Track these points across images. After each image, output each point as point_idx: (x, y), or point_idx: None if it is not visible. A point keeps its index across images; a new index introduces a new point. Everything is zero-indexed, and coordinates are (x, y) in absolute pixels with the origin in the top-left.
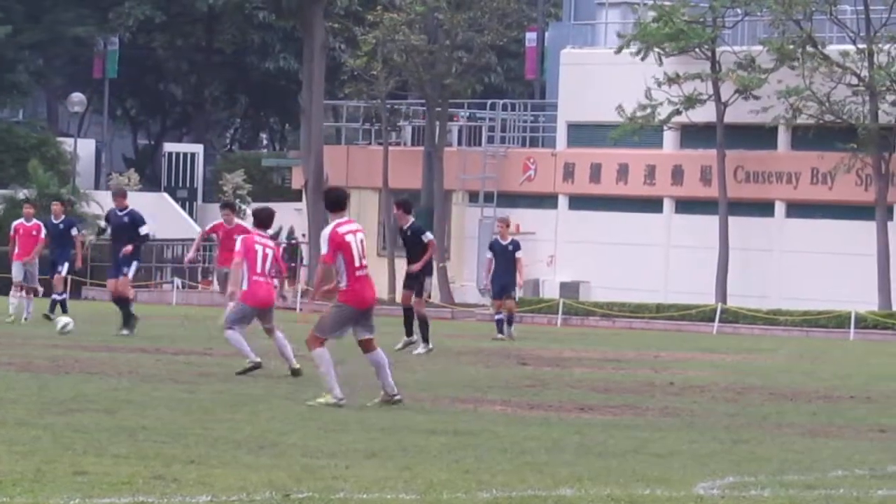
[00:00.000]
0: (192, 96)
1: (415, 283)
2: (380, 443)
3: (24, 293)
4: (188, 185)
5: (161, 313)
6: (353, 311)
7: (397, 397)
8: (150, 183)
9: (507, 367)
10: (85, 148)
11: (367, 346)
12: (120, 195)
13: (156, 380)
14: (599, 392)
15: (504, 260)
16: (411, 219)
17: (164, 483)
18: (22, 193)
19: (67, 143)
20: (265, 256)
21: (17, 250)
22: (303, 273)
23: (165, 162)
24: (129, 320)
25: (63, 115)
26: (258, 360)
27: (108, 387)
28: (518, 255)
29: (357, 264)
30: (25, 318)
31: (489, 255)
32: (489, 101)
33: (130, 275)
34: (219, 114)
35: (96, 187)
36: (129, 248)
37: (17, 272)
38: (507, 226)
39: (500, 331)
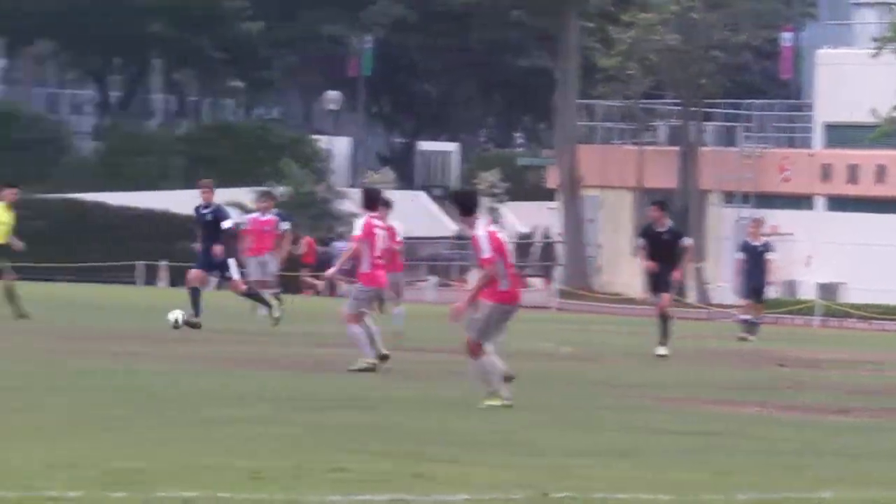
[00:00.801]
0: (445, 95)
1: (668, 286)
2: (633, 442)
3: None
4: (443, 183)
5: (417, 312)
6: (507, 308)
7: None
8: (405, 181)
9: (763, 368)
10: (340, 146)
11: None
12: (206, 188)
13: (411, 378)
14: (857, 394)
15: (755, 261)
16: (669, 221)
17: (422, 481)
18: (278, 191)
19: (322, 141)
20: (382, 239)
21: (250, 245)
22: (559, 273)
23: (420, 160)
24: (264, 303)
25: (318, 113)
26: (375, 361)
27: (363, 385)
28: (768, 256)
29: (512, 262)
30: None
31: (740, 255)
32: (744, 101)
33: (235, 276)
34: (473, 112)
35: (352, 185)
36: (218, 249)
37: (252, 268)
38: (760, 226)
39: (747, 331)
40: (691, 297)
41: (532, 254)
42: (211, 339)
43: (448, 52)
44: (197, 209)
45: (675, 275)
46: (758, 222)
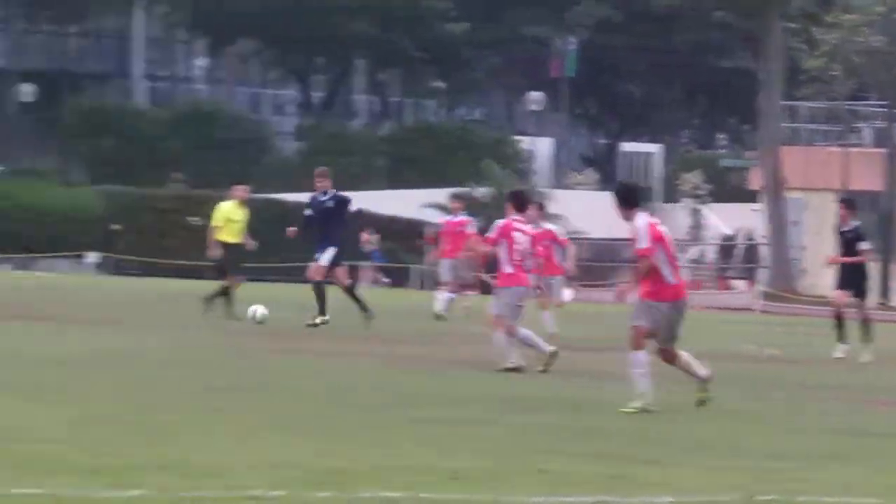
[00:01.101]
0: (649, 96)
1: (850, 285)
2: (837, 445)
3: (452, 290)
4: (646, 184)
5: (617, 312)
6: (678, 305)
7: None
8: (608, 182)
9: None
10: (542, 146)
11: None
12: (322, 176)
13: (609, 379)
14: None
15: None
16: (854, 221)
17: (624, 482)
18: (479, 192)
19: (524, 142)
20: (523, 241)
21: (444, 247)
22: (762, 275)
23: (622, 161)
24: (362, 305)
25: (520, 114)
26: (521, 363)
27: (561, 386)
28: None
29: (675, 255)
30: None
31: None
32: None
33: (324, 262)
34: (676, 113)
35: (555, 186)
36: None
37: (444, 270)
38: None
39: None
40: (895, 300)
41: (735, 256)
42: (406, 340)
43: (651, 53)
44: (313, 198)
45: (830, 259)
46: None
